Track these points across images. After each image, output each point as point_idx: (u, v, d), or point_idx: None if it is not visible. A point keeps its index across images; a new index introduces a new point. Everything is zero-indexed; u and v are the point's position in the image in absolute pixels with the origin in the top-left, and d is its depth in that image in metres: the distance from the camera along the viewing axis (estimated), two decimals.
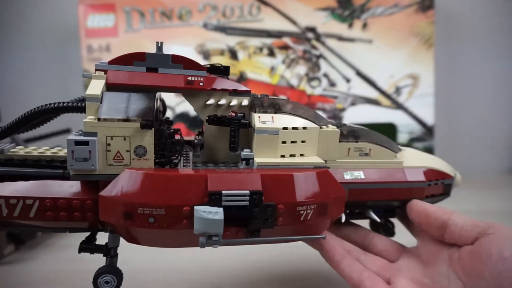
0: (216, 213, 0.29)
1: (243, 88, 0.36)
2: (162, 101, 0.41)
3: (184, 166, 0.35)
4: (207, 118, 0.35)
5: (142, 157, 0.31)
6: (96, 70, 0.33)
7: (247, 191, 0.30)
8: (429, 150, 0.80)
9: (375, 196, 0.39)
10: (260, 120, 0.35)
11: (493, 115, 0.92)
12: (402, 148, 0.43)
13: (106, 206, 0.31)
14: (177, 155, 0.33)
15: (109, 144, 0.31)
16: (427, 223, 0.37)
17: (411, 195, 0.40)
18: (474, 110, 0.91)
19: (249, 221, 0.31)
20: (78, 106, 0.32)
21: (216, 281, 0.47)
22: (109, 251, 0.34)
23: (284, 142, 0.35)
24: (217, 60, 0.83)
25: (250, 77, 0.82)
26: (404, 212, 0.40)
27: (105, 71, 0.33)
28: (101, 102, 0.31)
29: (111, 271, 0.33)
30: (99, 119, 0.30)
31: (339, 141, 0.38)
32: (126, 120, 0.30)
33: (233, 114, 0.35)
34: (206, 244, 0.30)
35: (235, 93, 0.36)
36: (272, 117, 0.35)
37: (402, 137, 0.81)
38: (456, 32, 0.87)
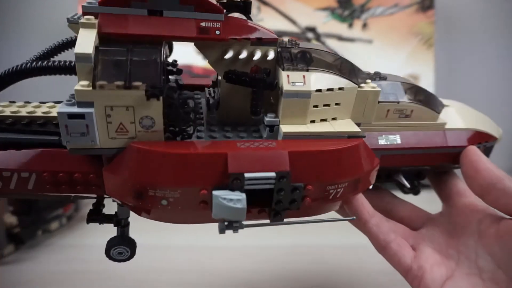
0: (238, 200, 0.25)
1: (269, 35, 0.30)
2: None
3: (198, 132, 0.30)
4: (224, 75, 0.29)
5: (149, 129, 0.26)
6: (84, 13, 0.26)
7: (273, 174, 0.26)
8: None
9: (411, 162, 0.35)
10: (290, 80, 0.29)
11: (493, 115, 0.91)
12: (446, 103, 0.39)
13: (112, 184, 0.27)
14: (191, 125, 0.28)
15: (109, 115, 0.25)
16: (473, 177, 0.33)
17: (449, 161, 0.36)
18: None
19: (273, 204, 0.27)
20: (72, 67, 0.26)
21: (216, 281, 0.47)
22: (120, 221, 0.31)
23: (316, 106, 0.29)
24: None
25: None
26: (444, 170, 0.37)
27: (96, 15, 0.26)
28: (94, 62, 0.25)
29: (123, 242, 0.30)
30: (94, 87, 0.24)
31: (379, 102, 0.32)
32: (128, 87, 0.25)
33: (256, 69, 0.29)
34: (226, 229, 0.27)
35: (259, 42, 0.29)
36: (304, 76, 0.29)
37: None
38: (456, 32, 0.87)
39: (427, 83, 0.80)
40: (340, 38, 0.80)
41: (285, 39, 0.31)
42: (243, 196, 0.25)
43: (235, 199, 0.25)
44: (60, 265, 0.50)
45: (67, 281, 0.47)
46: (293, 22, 0.80)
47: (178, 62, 0.35)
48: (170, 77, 0.37)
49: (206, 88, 0.36)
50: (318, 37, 0.80)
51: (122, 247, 0.30)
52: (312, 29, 0.80)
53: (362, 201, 0.34)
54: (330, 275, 0.44)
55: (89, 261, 0.52)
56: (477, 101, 0.90)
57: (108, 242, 0.30)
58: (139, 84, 0.25)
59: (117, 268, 0.50)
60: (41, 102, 0.30)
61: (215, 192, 0.25)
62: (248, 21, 0.30)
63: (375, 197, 0.39)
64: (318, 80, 0.29)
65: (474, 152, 0.35)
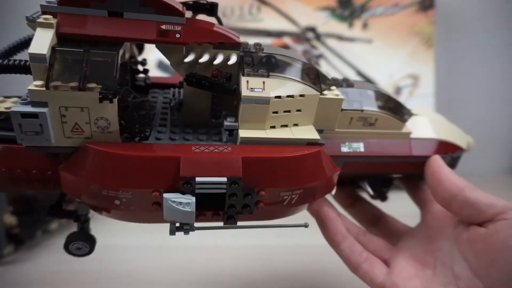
0: (187, 204, 0.26)
1: (233, 39, 0.29)
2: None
3: (158, 133, 0.30)
4: (185, 77, 0.29)
5: (105, 130, 0.26)
6: (43, 12, 0.26)
7: (224, 179, 0.26)
8: None
9: (375, 170, 0.35)
10: (249, 86, 0.28)
11: (494, 115, 0.92)
12: (415, 112, 0.38)
13: (68, 182, 0.27)
14: (147, 128, 0.28)
15: (64, 115, 0.25)
16: (436, 188, 0.33)
17: (415, 170, 0.36)
18: (474, 110, 0.91)
19: (225, 208, 0.27)
20: (27, 66, 0.26)
21: (216, 281, 0.47)
22: (79, 217, 0.31)
23: (275, 112, 0.29)
24: None
25: None
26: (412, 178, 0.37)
27: (55, 15, 0.26)
28: (50, 62, 0.25)
29: (83, 237, 0.30)
30: (48, 87, 0.24)
31: (342, 110, 0.32)
32: (82, 89, 0.25)
33: (217, 73, 0.29)
34: (177, 231, 0.27)
35: (222, 46, 0.29)
36: (264, 82, 0.29)
37: None
38: (456, 32, 0.87)
39: (427, 83, 0.80)
40: (340, 38, 0.80)
41: (251, 43, 0.31)
42: (192, 200, 0.26)
43: (184, 202, 0.25)
44: (60, 265, 0.50)
45: (67, 281, 0.47)
46: (293, 22, 0.80)
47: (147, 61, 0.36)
48: (140, 75, 0.37)
49: (172, 89, 0.36)
50: (318, 37, 0.80)
51: (80, 243, 0.30)
52: (312, 29, 0.80)
53: (336, 223, 0.34)
54: (330, 275, 0.44)
55: (89, 261, 0.52)
56: (477, 101, 0.90)
57: (68, 236, 0.31)
58: (93, 86, 0.25)
59: (117, 268, 0.50)
60: (5, 97, 0.30)
61: (165, 195, 0.25)
62: (214, 24, 0.30)
63: (360, 211, 0.39)
64: (278, 86, 0.29)
65: (436, 162, 0.34)
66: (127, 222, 0.30)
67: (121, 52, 0.27)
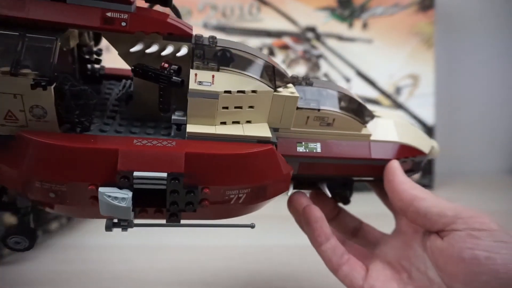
0: (123, 199, 0.24)
1: (183, 31, 0.28)
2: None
3: (104, 125, 0.29)
4: (132, 68, 0.28)
5: (41, 118, 0.25)
6: None
7: (164, 174, 0.25)
8: None
9: (332, 172, 0.34)
10: (197, 79, 0.27)
11: (494, 115, 0.92)
12: (379, 115, 0.37)
13: (1, 172, 0.26)
14: (85, 118, 0.27)
15: None
16: (391, 198, 0.33)
17: (373, 173, 0.35)
18: (474, 110, 0.91)
19: (167, 205, 0.26)
20: None
21: (216, 281, 0.47)
22: (19, 210, 0.30)
23: (225, 108, 0.28)
24: None
25: None
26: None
27: None
28: None
29: (22, 231, 0.29)
30: None
31: (297, 108, 0.31)
32: (14, 74, 0.23)
33: (166, 65, 0.27)
34: (113, 227, 0.27)
35: (171, 37, 0.28)
36: (213, 76, 0.28)
37: None
38: (456, 32, 0.87)
39: (427, 83, 0.80)
40: (340, 38, 0.80)
41: (206, 36, 0.30)
42: (129, 195, 0.25)
43: (120, 197, 0.25)
44: (60, 265, 0.50)
45: (67, 281, 0.47)
46: (293, 22, 0.80)
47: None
48: (97, 66, 0.36)
49: (124, 80, 0.35)
50: (318, 37, 0.80)
51: (19, 237, 0.29)
52: (312, 29, 0.80)
53: (321, 224, 0.34)
54: (330, 275, 0.44)
55: (89, 261, 0.52)
56: (477, 100, 0.90)
57: (6, 229, 0.30)
58: (27, 72, 0.23)
59: (117, 268, 0.50)
60: None
61: (101, 189, 0.25)
62: (168, 15, 0.28)
63: (341, 223, 0.39)
64: (229, 81, 0.28)
65: (391, 170, 0.34)
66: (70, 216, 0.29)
67: (62, 38, 0.26)
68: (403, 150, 0.35)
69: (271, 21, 0.79)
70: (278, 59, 0.80)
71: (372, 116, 0.36)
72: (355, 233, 0.40)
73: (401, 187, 0.32)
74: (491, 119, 0.91)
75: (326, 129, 0.33)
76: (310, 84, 0.33)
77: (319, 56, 0.80)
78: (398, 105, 0.80)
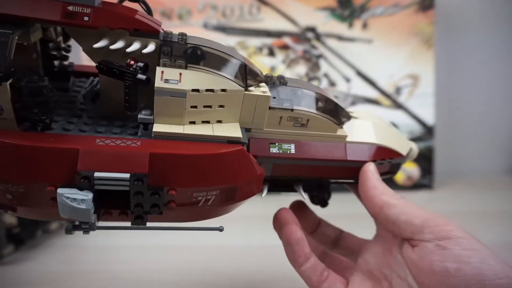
0: (83, 201, 0.23)
1: (151, 27, 0.27)
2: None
3: (68, 124, 0.28)
4: (97, 65, 0.27)
5: None
6: None
7: (127, 175, 0.24)
8: (429, 150, 0.80)
9: (306, 174, 0.33)
10: (163, 77, 0.26)
11: (494, 115, 0.91)
12: (356, 116, 0.37)
13: None
14: (45, 116, 0.26)
15: None
16: (364, 203, 0.33)
17: (349, 175, 0.34)
18: (474, 110, 0.90)
19: (131, 207, 0.25)
20: None
21: (216, 281, 0.47)
22: None
23: (194, 107, 0.27)
24: None
25: None
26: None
27: None
28: None
29: None
30: None
31: (270, 108, 0.30)
32: None
33: (132, 62, 0.27)
34: (74, 230, 0.26)
35: (138, 33, 0.27)
36: (180, 74, 0.27)
37: None
38: (456, 32, 0.87)
39: (427, 83, 0.80)
40: (340, 38, 0.80)
41: (176, 32, 0.29)
42: (89, 196, 0.24)
43: (79, 199, 0.24)
44: (60, 265, 0.50)
45: (67, 281, 0.47)
46: (293, 22, 0.80)
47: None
48: (65, 62, 0.35)
49: (92, 77, 0.34)
50: (318, 37, 0.80)
51: None
52: (312, 29, 0.80)
53: (302, 245, 0.33)
54: None
55: (89, 261, 0.52)
56: (477, 100, 0.90)
57: None
58: None
59: (117, 268, 0.50)
60: None
61: (59, 190, 0.24)
62: (136, 10, 0.27)
63: (322, 235, 0.39)
64: (197, 79, 0.27)
65: (364, 174, 0.33)
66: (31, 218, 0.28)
67: (21, 33, 0.25)
68: (380, 152, 0.35)
69: (271, 21, 0.79)
70: (278, 59, 0.80)
71: (348, 117, 0.35)
72: (336, 243, 0.39)
73: (372, 192, 0.32)
74: (491, 119, 0.91)
75: (300, 129, 0.32)
76: (284, 83, 0.32)
77: (319, 56, 0.80)
78: (398, 105, 0.80)
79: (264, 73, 0.32)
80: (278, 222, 0.35)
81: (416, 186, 0.80)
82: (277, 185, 0.35)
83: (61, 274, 0.48)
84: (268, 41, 0.80)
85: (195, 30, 0.82)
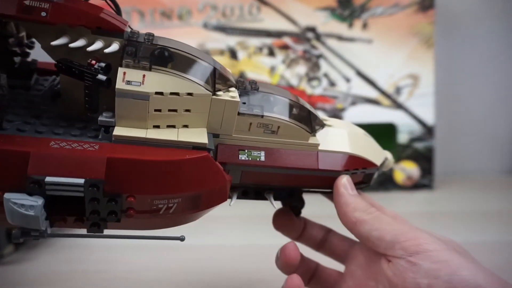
0: (32, 207, 0.22)
1: (115, 25, 0.26)
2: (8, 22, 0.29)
3: (25, 123, 0.26)
4: (56, 63, 0.26)
5: None
6: None
7: (81, 180, 0.23)
8: (429, 150, 0.80)
9: (276, 182, 0.33)
10: (125, 78, 0.25)
11: (494, 115, 0.91)
12: (330, 123, 0.36)
13: None
14: None
15: None
16: (339, 218, 0.33)
17: (322, 184, 0.34)
18: (474, 110, 0.91)
19: (86, 214, 0.24)
20: None
21: (216, 281, 0.47)
22: None
23: (158, 111, 0.26)
24: (217, 59, 0.82)
25: (250, 77, 0.82)
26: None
27: None
28: None
29: None
30: None
31: (239, 113, 0.29)
32: None
33: (94, 62, 0.25)
34: (22, 237, 0.24)
35: (100, 31, 0.26)
36: (144, 76, 0.26)
37: (402, 137, 0.81)
38: (456, 32, 0.87)
39: (427, 83, 0.80)
40: (340, 38, 0.80)
41: (143, 32, 0.28)
42: (38, 202, 0.22)
43: (28, 205, 0.22)
44: (60, 265, 0.50)
45: (67, 281, 0.47)
46: (293, 22, 0.80)
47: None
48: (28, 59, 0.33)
49: (54, 76, 0.33)
50: (318, 37, 0.80)
51: None
52: (312, 29, 0.80)
53: (297, 283, 0.33)
54: None
55: (89, 261, 0.52)
56: (477, 100, 0.90)
57: None
58: None
59: (117, 268, 0.50)
60: None
61: (6, 195, 0.22)
62: (101, 8, 0.26)
63: (309, 237, 0.39)
64: (162, 81, 0.26)
65: (336, 190, 0.33)
66: None
67: None
68: (353, 161, 0.34)
69: (271, 21, 0.79)
70: (278, 59, 0.80)
71: (322, 125, 0.34)
72: (322, 244, 0.39)
73: (344, 209, 0.32)
74: (491, 119, 0.91)
75: (270, 137, 0.31)
76: (256, 89, 0.31)
77: (319, 56, 0.80)
78: (398, 105, 0.80)
79: (240, 77, 0.31)
80: (283, 262, 0.36)
81: (416, 186, 0.80)
82: (247, 193, 0.34)
83: (61, 274, 0.48)
84: (268, 41, 0.80)
85: (195, 30, 0.82)
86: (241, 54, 0.81)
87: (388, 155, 0.39)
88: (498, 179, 0.87)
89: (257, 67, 0.81)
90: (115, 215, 0.25)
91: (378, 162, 0.36)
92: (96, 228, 0.25)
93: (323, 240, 0.39)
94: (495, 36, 0.88)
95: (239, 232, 0.59)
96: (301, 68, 0.81)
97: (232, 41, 0.81)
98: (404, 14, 0.79)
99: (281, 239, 0.54)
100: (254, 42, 0.80)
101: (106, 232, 0.27)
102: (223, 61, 0.82)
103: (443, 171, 0.83)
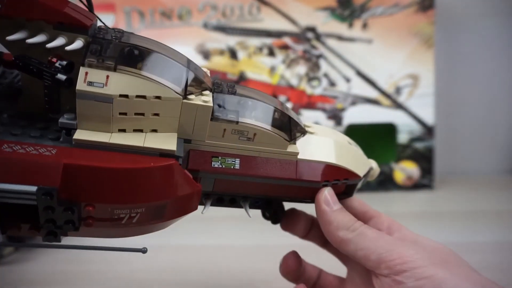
0: None
1: (78, 20, 0.24)
2: None
3: None
4: (13, 60, 0.24)
5: None
6: None
7: (34, 188, 0.21)
8: (429, 150, 0.80)
9: (252, 191, 0.31)
10: (87, 79, 0.23)
11: (494, 115, 0.91)
12: (313, 131, 0.34)
13: None
14: None
15: None
16: (325, 235, 0.32)
17: (301, 195, 0.33)
18: (474, 110, 0.91)
19: (41, 222, 0.23)
20: None
21: (216, 281, 0.47)
22: None
23: (123, 114, 0.25)
24: (217, 60, 0.83)
25: (250, 77, 0.82)
26: None
27: None
28: None
29: None
30: None
31: (212, 119, 0.28)
32: None
33: (54, 60, 0.24)
34: None
35: (63, 27, 0.24)
36: (107, 77, 0.24)
37: (402, 137, 0.81)
38: (456, 32, 0.87)
39: (427, 83, 0.80)
40: (340, 38, 0.80)
41: (114, 29, 0.26)
42: None
43: None
44: (60, 265, 0.50)
45: (67, 281, 0.47)
46: (293, 22, 0.80)
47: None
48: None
49: (16, 71, 0.30)
50: (318, 37, 0.80)
51: None
52: (312, 29, 0.80)
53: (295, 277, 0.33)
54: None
55: (89, 261, 0.52)
56: (477, 101, 0.90)
57: None
58: None
59: (117, 268, 0.50)
60: None
61: None
62: (65, 1, 0.24)
63: (315, 235, 0.38)
64: (128, 83, 0.24)
65: (318, 207, 0.32)
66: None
67: None
68: (335, 171, 0.32)
69: (271, 21, 0.79)
70: (278, 59, 0.80)
71: (303, 132, 0.32)
72: (326, 242, 0.39)
73: (327, 228, 0.31)
74: (491, 119, 0.91)
75: (246, 144, 0.29)
76: (233, 92, 0.29)
77: (319, 56, 0.80)
78: (398, 105, 0.80)
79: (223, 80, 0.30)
80: (284, 271, 0.37)
81: (416, 186, 0.80)
82: (222, 200, 0.33)
83: (61, 274, 0.48)
84: (268, 41, 0.80)
85: (195, 30, 0.82)
86: (241, 54, 0.81)
87: (373, 164, 0.37)
88: (498, 179, 0.87)
89: (257, 67, 0.81)
90: (72, 224, 0.24)
91: (361, 172, 0.34)
92: (52, 237, 0.24)
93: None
94: (495, 36, 0.88)
95: (239, 232, 0.59)
96: (301, 68, 0.81)
97: (232, 41, 0.81)
98: (404, 14, 0.79)
99: (282, 239, 0.54)
100: (254, 42, 0.80)
101: (64, 241, 0.25)
102: (223, 61, 0.82)
103: (443, 171, 0.83)
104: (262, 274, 0.48)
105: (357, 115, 0.80)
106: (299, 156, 0.31)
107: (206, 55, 0.84)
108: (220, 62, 0.82)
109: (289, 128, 0.31)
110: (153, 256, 0.53)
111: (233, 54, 0.82)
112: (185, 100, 0.26)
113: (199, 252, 0.54)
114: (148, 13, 0.82)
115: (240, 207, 0.33)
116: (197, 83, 0.27)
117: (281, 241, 0.56)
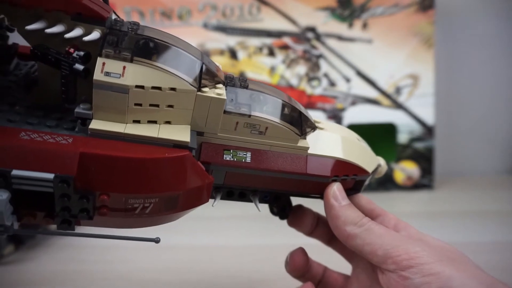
0: None
1: (95, 11, 0.24)
2: None
3: None
4: (31, 49, 0.24)
5: None
6: None
7: (51, 175, 0.22)
8: (429, 150, 0.80)
9: (263, 185, 0.32)
10: (104, 69, 0.24)
11: (494, 115, 0.91)
12: (322, 126, 0.34)
13: None
14: None
15: None
16: (333, 230, 0.32)
17: (310, 189, 0.33)
18: (474, 110, 0.91)
19: (56, 210, 0.23)
20: None
21: (216, 281, 0.47)
22: None
23: (139, 105, 0.25)
24: (217, 60, 0.83)
25: (250, 77, 0.82)
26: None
27: None
28: None
29: None
30: None
31: (225, 112, 0.28)
32: None
33: (72, 50, 0.24)
34: None
35: (81, 18, 0.24)
36: (124, 67, 0.24)
37: (402, 137, 0.81)
38: (456, 32, 0.87)
39: (427, 83, 0.80)
40: (340, 38, 0.80)
41: (129, 21, 0.27)
42: (3, 196, 0.21)
43: None
44: (60, 265, 0.50)
45: (67, 281, 0.47)
46: (293, 22, 0.80)
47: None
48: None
49: (33, 62, 0.31)
50: (318, 37, 0.80)
51: None
52: (312, 29, 0.80)
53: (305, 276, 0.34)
54: None
55: (89, 261, 0.52)
56: (477, 101, 0.90)
57: None
58: None
59: (117, 268, 0.50)
60: None
61: None
62: None
63: (321, 232, 0.38)
64: (143, 74, 0.24)
65: (326, 202, 0.32)
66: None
67: None
68: (344, 167, 0.32)
69: (271, 21, 0.79)
70: (278, 59, 0.80)
71: (313, 127, 0.33)
72: (335, 240, 0.38)
73: (335, 223, 0.31)
74: (491, 119, 0.91)
75: (258, 137, 0.29)
76: (245, 86, 0.30)
77: (319, 56, 0.80)
78: (398, 105, 0.80)
79: (234, 74, 0.30)
80: (291, 267, 0.37)
81: (416, 186, 0.80)
82: (232, 194, 0.33)
83: (61, 274, 0.48)
84: (268, 41, 0.80)
85: (195, 30, 0.82)
86: (241, 54, 0.81)
87: (382, 161, 0.38)
88: (498, 179, 0.87)
89: (257, 67, 0.81)
90: (87, 213, 0.24)
91: (370, 168, 0.35)
92: (66, 225, 0.24)
93: (334, 236, 0.39)
94: (495, 36, 0.88)
95: (239, 232, 0.59)
96: (301, 68, 0.81)
97: (232, 41, 0.81)
98: (404, 14, 0.79)
99: (282, 239, 0.54)
100: (254, 42, 0.80)
101: (78, 230, 0.26)
102: (223, 61, 0.82)
103: (443, 171, 0.83)
104: (262, 274, 0.48)
105: (357, 115, 0.80)
106: (309, 151, 0.31)
107: (206, 55, 0.84)
108: (220, 62, 0.81)
109: (300, 123, 0.31)
110: (153, 256, 0.53)
111: (233, 54, 0.82)
112: (199, 93, 0.26)
113: (199, 252, 0.54)
114: (148, 13, 0.82)
115: (250, 201, 0.33)
116: (211, 76, 0.27)
117: (281, 241, 0.56)
